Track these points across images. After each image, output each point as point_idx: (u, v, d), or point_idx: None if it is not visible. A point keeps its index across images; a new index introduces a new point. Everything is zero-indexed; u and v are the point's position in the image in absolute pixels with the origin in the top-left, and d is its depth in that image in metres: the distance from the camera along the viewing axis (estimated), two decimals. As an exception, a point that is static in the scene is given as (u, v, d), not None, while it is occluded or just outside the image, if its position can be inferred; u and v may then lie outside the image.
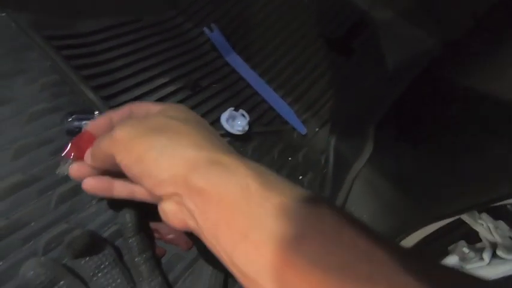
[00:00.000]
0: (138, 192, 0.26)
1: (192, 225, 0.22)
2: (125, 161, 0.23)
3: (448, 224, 0.48)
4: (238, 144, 0.48)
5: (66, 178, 0.30)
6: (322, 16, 0.65)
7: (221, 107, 0.50)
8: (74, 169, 0.28)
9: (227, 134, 0.47)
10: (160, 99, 0.46)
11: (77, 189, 0.31)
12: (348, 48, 0.63)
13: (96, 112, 0.37)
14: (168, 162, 0.22)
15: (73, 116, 0.35)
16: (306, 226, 0.18)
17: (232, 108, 0.47)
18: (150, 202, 0.26)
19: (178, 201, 0.22)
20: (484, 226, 0.58)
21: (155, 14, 0.56)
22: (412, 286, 0.15)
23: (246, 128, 0.47)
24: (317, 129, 0.57)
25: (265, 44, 0.59)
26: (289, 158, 0.52)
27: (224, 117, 0.46)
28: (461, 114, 0.49)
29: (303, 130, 0.55)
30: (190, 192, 0.21)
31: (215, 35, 0.55)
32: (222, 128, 0.46)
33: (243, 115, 0.48)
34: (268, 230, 0.18)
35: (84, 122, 0.34)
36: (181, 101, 0.48)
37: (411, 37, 0.60)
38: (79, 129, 0.34)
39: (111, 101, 0.41)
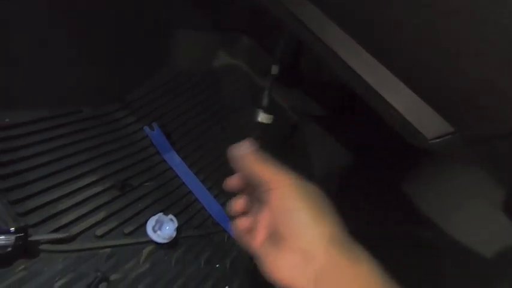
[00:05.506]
0: None
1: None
2: None
3: None
4: (162, 252, 0.45)
5: None
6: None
7: (150, 209, 0.49)
8: None
9: (152, 242, 0.45)
10: (84, 202, 0.44)
11: None
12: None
13: (12, 228, 0.34)
14: None
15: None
16: None
17: (161, 214, 0.46)
18: None
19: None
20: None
21: (97, 106, 0.56)
22: None
23: (174, 235, 0.46)
24: (248, 231, 0.58)
25: (204, 143, 0.61)
26: (217, 265, 0.50)
27: (150, 224, 0.45)
28: None
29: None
30: None
31: (155, 134, 0.56)
32: (146, 236, 0.44)
33: (172, 220, 0.47)
34: None
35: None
36: (107, 203, 0.46)
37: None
38: None
39: (20, 206, 0.38)
